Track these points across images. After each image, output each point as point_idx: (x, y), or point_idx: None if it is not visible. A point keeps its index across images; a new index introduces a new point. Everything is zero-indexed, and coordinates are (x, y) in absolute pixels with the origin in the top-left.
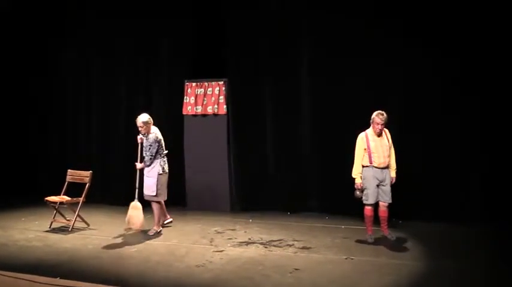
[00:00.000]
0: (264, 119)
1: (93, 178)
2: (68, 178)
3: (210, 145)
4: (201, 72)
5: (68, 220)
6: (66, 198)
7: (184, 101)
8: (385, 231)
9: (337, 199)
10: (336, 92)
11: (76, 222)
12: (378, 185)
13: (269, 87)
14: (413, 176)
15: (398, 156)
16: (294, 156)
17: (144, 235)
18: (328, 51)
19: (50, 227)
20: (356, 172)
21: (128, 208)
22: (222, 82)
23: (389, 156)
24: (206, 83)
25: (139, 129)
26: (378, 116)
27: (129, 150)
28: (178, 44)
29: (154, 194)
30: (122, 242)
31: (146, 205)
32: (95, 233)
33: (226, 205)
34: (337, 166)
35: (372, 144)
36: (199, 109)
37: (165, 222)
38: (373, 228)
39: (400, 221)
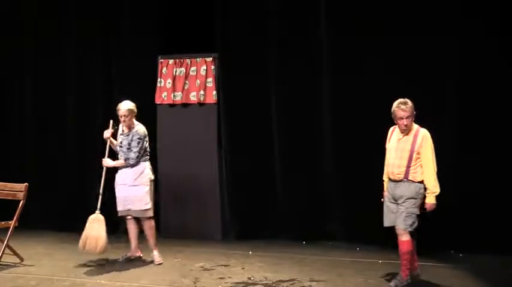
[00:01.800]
0: (268, 110)
1: (29, 193)
2: None
3: (193, 146)
4: (181, 45)
5: None
6: None
7: (158, 85)
8: (403, 273)
9: (371, 223)
10: (366, 78)
11: (4, 255)
12: (395, 204)
13: (275, 66)
14: (475, 197)
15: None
16: (309, 162)
17: (106, 267)
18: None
19: None
20: None
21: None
22: (211, 58)
23: (409, 166)
24: (188, 60)
25: (122, 119)
26: (399, 107)
27: (81, 152)
28: (146, 3)
29: (149, 207)
30: (69, 283)
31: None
32: (32, 271)
33: (216, 231)
34: (370, 176)
35: (389, 145)
36: (178, 96)
37: (132, 257)
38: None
39: (461, 255)
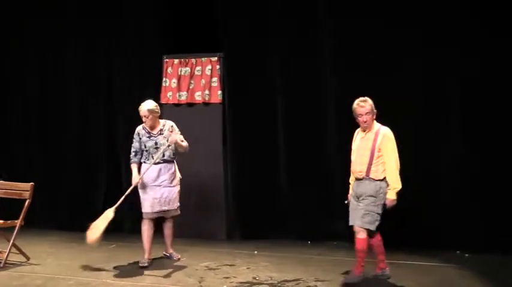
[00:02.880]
0: (275, 110)
1: (36, 192)
2: (0, 193)
3: (198, 146)
4: (186, 45)
5: None
6: None
7: (163, 84)
8: (356, 269)
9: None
10: (375, 75)
11: (11, 254)
12: (357, 202)
13: (282, 66)
14: (481, 197)
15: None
16: (315, 162)
17: (111, 266)
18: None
19: None
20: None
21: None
22: (216, 58)
23: (370, 164)
24: (193, 60)
25: (143, 119)
26: (359, 104)
27: (86, 152)
28: (151, 2)
29: (179, 204)
30: (74, 282)
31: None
32: (37, 270)
33: (221, 231)
34: None
35: (354, 144)
36: (183, 96)
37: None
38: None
39: (467, 255)
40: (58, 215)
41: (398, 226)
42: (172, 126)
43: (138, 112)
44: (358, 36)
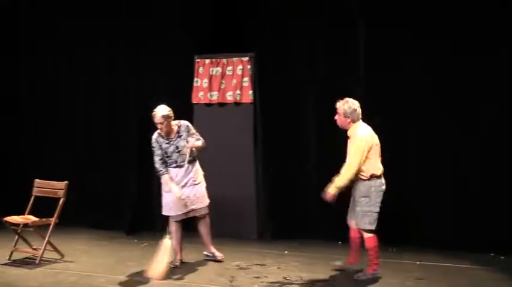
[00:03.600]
0: (305, 109)
1: (70, 191)
2: (35, 191)
3: (229, 145)
4: (218, 45)
5: (34, 249)
6: (32, 218)
7: (194, 84)
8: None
9: (408, 225)
10: (403, 76)
11: (46, 251)
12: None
13: (312, 66)
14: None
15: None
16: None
17: (142, 264)
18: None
19: (9, 259)
20: None
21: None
22: (247, 58)
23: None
24: (225, 60)
25: (159, 126)
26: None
27: (119, 153)
28: (184, 3)
29: (209, 201)
30: (106, 280)
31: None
32: (71, 267)
33: (252, 231)
34: (407, 175)
35: None
36: (215, 96)
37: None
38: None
39: (502, 257)
40: (89, 214)
41: (430, 228)
42: (188, 126)
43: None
44: (388, 36)
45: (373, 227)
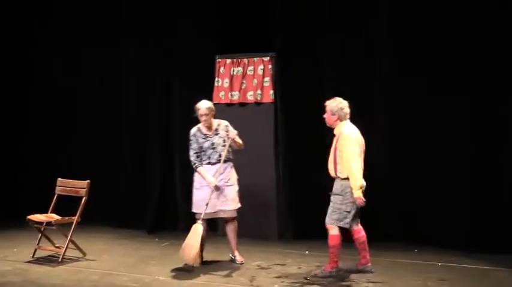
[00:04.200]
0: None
1: (92, 190)
2: (58, 190)
3: (250, 145)
4: (239, 45)
5: (57, 247)
6: (55, 217)
7: (215, 84)
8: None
9: (430, 224)
10: (428, 76)
11: (68, 250)
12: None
13: (333, 65)
14: None
15: None
16: (366, 163)
17: (163, 263)
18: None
19: (32, 257)
20: None
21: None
22: (268, 58)
23: (336, 163)
24: (246, 60)
25: (202, 118)
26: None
27: (141, 152)
28: (204, 3)
29: (239, 206)
30: (128, 279)
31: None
32: (93, 266)
33: (272, 231)
34: (428, 176)
35: None
36: (236, 96)
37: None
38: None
39: None
40: (111, 213)
41: (452, 228)
42: (227, 125)
43: (192, 112)
44: (413, 37)
45: (340, 224)
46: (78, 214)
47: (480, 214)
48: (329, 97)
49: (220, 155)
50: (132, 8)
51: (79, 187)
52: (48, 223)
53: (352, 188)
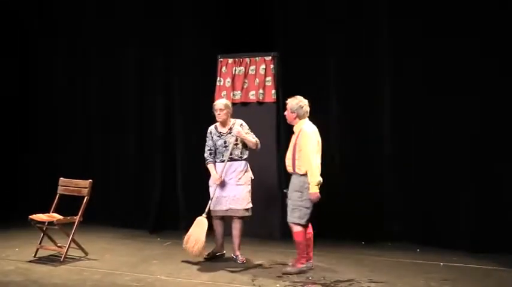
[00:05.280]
0: (328, 110)
1: (94, 190)
2: (60, 189)
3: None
4: (241, 44)
5: (59, 247)
6: (57, 216)
7: (217, 84)
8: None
9: (432, 224)
10: (431, 77)
11: (70, 249)
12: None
13: (336, 66)
14: None
15: None
16: (369, 162)
17: (166, 263)
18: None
19: (34, 256)
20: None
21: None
22: (270, 57)
23: (294, 159)
24: (248, 59)
25: (217, 112)
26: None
27: (142, 152)
28: (205, 3)
29: (250, 206)
30: (130, 278)
31: None
32: (95, 265)
33: (275, 230)
34: (431, 176)
35: None
36: (238, 95)
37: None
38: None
39: None
40: (113, 213)
41: (454, 228)
42: (241, 124)
43: (194, 111)
44: (413, 37)
45: (302, 222)
46: (80, 214)
47: (482, 213)
48: (329, 97)
49: (231, 154)
50: (132, 8)
51: (81, 186)
52: (50, 223)
53: (310, 184)
